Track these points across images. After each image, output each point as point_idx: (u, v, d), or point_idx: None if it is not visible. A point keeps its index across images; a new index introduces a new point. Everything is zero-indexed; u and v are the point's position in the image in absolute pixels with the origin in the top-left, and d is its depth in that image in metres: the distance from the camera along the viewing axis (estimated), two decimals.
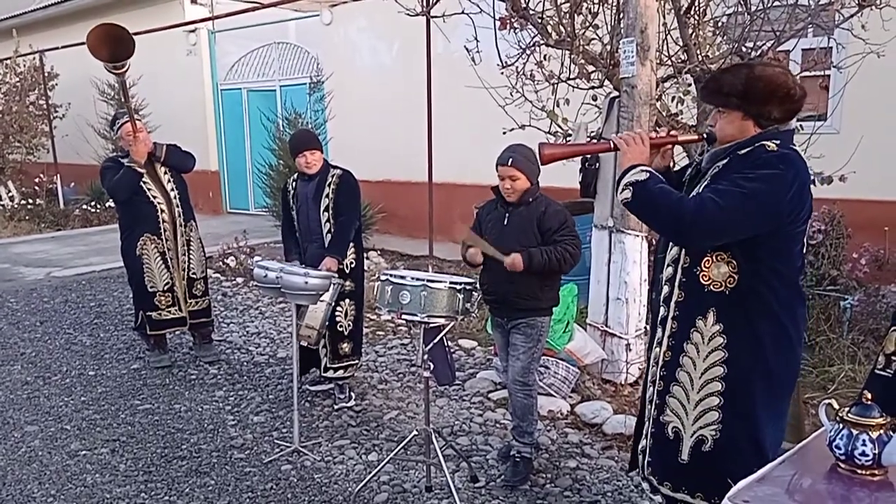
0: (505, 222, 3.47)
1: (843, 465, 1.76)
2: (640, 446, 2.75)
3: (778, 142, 2.35)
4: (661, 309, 2.56)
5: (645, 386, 2.74)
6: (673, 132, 2.67)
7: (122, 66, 4.46)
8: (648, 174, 2.39)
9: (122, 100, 5.07)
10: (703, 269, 2.40)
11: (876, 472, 1.72)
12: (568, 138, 5.18)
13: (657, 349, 2.59)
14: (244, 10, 10.84)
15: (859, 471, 1.73)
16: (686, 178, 2.62)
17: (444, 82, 7.75)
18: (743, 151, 2.36)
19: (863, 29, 4.67)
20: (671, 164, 2.76)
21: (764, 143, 2.34)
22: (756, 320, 2.38)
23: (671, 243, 2.54)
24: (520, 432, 3.57)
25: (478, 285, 3.42)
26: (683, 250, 2.47)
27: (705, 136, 2.50)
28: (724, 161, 2.40)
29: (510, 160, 3.39)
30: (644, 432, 2.70)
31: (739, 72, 2.40)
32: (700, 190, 2.40)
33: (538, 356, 3.57)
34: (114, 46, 4.34)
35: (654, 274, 2.72)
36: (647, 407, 2.68)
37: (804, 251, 2.52)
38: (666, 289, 2.54)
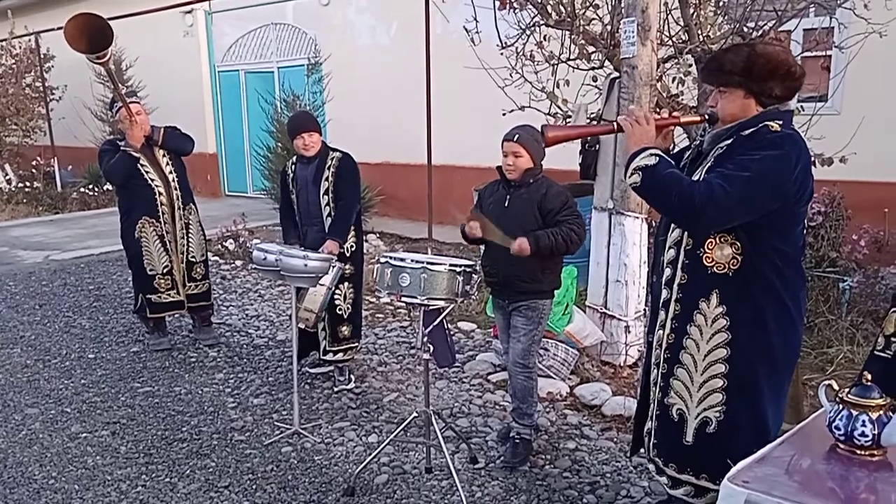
0: (506, 204, 3.46)
1: (842, 446, 1.77)
2: (644, 428, 2.75)
3: (781, 122, 2.35)
4: (664, 292, 2.56)
5: (647, 369, 2.75)
6: (675, 113, 2.66)
7: (103, 55, 4.42)
8: (658, 158, 2.38)
9: (112, 87, 5.04)
10: (707, 250, 2.41)
11: (875, 452, 1.74)
12: (568, 119, 5.15)
13: (660, 332, 2.59)
14: None
15: (859, 451, 1.74)
16: (686, 160, 2.61)
17: (443, 63, 7.70)
18: (747, 132, 2.36)
19: (865, 8, 4.64)
20: (671, 146, 2.76)
21: (768, 123, 2.34)
22: (759, 301, 2.38)
23: (672, 226, 2.53)
24: (520, 414, 3.58)
25: (479, 267, 3.41)
26: (686, 232, 2.47)
27: (706, 117, 2.50)
28: (728, 142, 2.39)
29: (517, 136, 3.39)
30: (649, 414, 2.71)
31: (741, 50, 2.41)
32: (703, 172, 2.39)
33: (539, 339, 3.57)
34: (92, 37, 4.29)
35: (655, 257, 2.71)
36: (651, 389, 2.69)
37: (804, 232, 2.53)
38: (668, 271, 2.54)
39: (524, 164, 3.41)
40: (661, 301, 2.58)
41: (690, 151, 2.65)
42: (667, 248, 2.55)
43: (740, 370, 2.42)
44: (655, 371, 2.64)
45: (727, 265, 2.39)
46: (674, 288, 2.52)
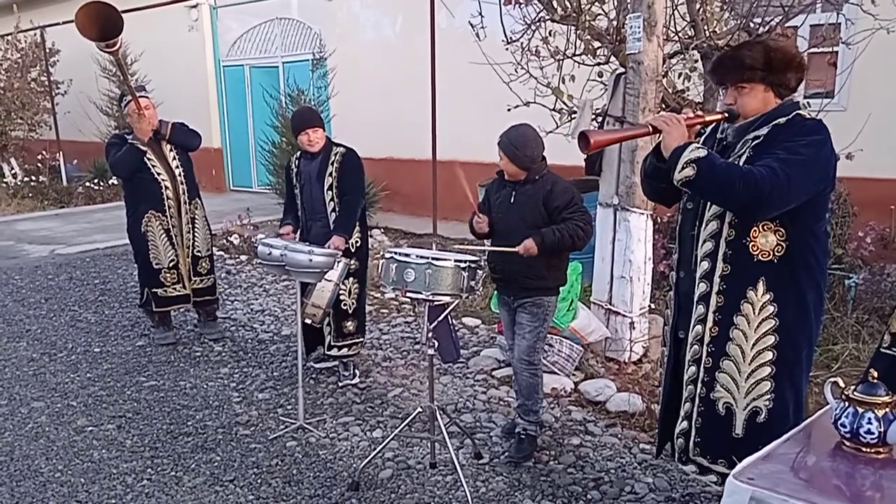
0: (512, 200, 3.46)
1: (848, 443, 1.76)
2: (678, 429, 2.73)
3: (805, 111, 2.47)
4: (701, 285, 2.57)
5: (674, 368, 2.73)
6: (699, 112, 2.70)
7: (113, 44, 4.42)
8: (707, 150, 2.41)
9: (122, 78, 5.06)
10: (752, 239, 2.46)
11: (881, 450, 1.73)
12: (573, 115, 5.14)
13: (699, 327, 2.60)
14: None
15: (864, 449, 1.74)
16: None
17: (448, 58, 7.69)
18: (782, 121, 2.44)
19: (873, 4, 4.62)
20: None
21: (799, 112, 2.45)
22: (803, 285, 2.47)
23: (707, 218, 2.54)
24: (525, 410, 3.59)
25: (483, 263, 3.41)
26: (725, 224, 2.49)
27: (726, 114, 2.55)
28: (763, 131, 2.45)
29: (499, 140, 3.43)
30: (684, 414, 2.70)
31: (755, 46, 2.51)
32: (741, 162, 2.44)
33: (544, 335, 3.57)
34: (103, 25, 4.29)
35: (681, 252, 2.70)
36: (686, 388, 2.67)
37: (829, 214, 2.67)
38: (705, 264, 2.55)
39: (506, 167, 3.43)
40: (698, 295, 2.58)
41: (713, 143, 2.64)
42: (702, 242, 2.56)
43: (787, 355, 2.48)
44: (694, 367, 2.63)
45: (772, 252, 2.44)
46: (714, 280, 2.53)
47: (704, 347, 2.59)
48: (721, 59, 2.62)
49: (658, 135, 2.54)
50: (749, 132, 2.48)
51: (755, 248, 2.45)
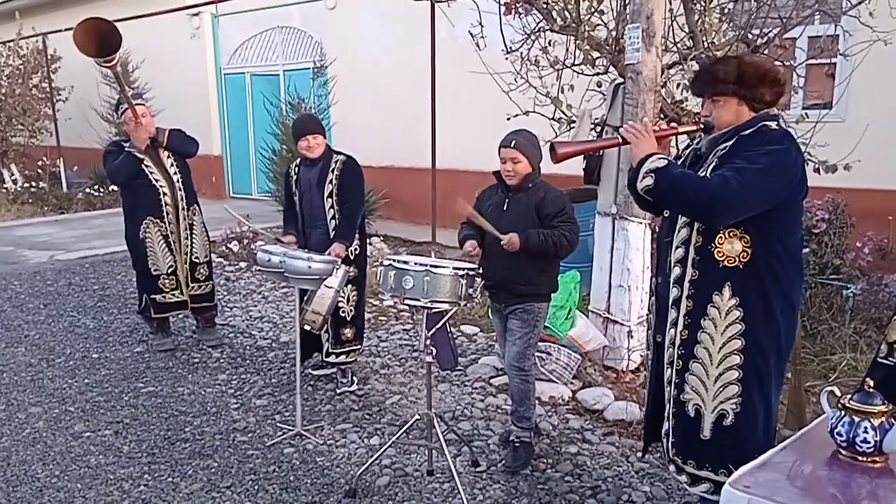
0: (504, 207, 3.48)
1: (844, 452, 1.77)
2: (662, 430, 2.78)
3: (776, 123, 2.51)
4: (674, 290, 2.62)
5: (658, 370, 2.78)
6: (672, 124, 2.78)
7: (111, 59, 4.46)
8: (666, 161, 2.50)
9: (119, 90, 5.09)
10: (717, 245, 2.51)
11: (877, 459, 1.74)
12: (572, 125, 5.16)
13: (672, 330, 2.65)
14: None
15: (860, 458, 1.74)
16: (685, 164, 2.70)
17: (448, 68, 7.72)
18: (748, 132, 2.50)
19: (870, 16, 4.65)
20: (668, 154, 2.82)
21: (766, 123, 2.50)
22: (769, 293, 2.49)
23: (679, 226, 2.60)
24: (518, 417, 3.59)
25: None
26: (694, 231, 2.55)
27: (702, 126, 2.62)
28: (729, 143, 2.51)
29: (513, 142, 3.41)
30: (667, 415, 2.75)
31: (730, 62, 2.61)
32: (708, 171, 2.50)
33: (535, 342, 3.57)
34: (101, 41, 4.34)
35: (659, 259, 2.77)
36: (666, 389, 2.73)
37: (803, 227, 2.70)
38: (677, 270, 2.61)
39: (523, 170, 3.43)
40: (671, 300, 2.64)
41: (689, 154, 2.75)
42: (674, 248, 2.62)
43: (755, 360, 2.51)
44: (669, 370, 2.69)
45: (737, 258, 2.49)
46: (684, 285, 2.58)
47: (676, 350, 2.64)
48: (698, 72, 2.74)
49: (627, 145, 2.63)
50: (719, 143, 2.55)
51: (720, 255, 2.50)
